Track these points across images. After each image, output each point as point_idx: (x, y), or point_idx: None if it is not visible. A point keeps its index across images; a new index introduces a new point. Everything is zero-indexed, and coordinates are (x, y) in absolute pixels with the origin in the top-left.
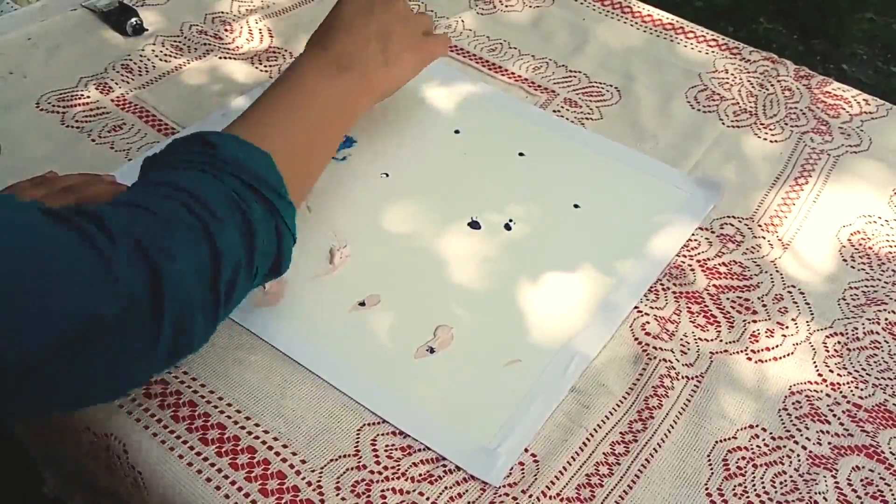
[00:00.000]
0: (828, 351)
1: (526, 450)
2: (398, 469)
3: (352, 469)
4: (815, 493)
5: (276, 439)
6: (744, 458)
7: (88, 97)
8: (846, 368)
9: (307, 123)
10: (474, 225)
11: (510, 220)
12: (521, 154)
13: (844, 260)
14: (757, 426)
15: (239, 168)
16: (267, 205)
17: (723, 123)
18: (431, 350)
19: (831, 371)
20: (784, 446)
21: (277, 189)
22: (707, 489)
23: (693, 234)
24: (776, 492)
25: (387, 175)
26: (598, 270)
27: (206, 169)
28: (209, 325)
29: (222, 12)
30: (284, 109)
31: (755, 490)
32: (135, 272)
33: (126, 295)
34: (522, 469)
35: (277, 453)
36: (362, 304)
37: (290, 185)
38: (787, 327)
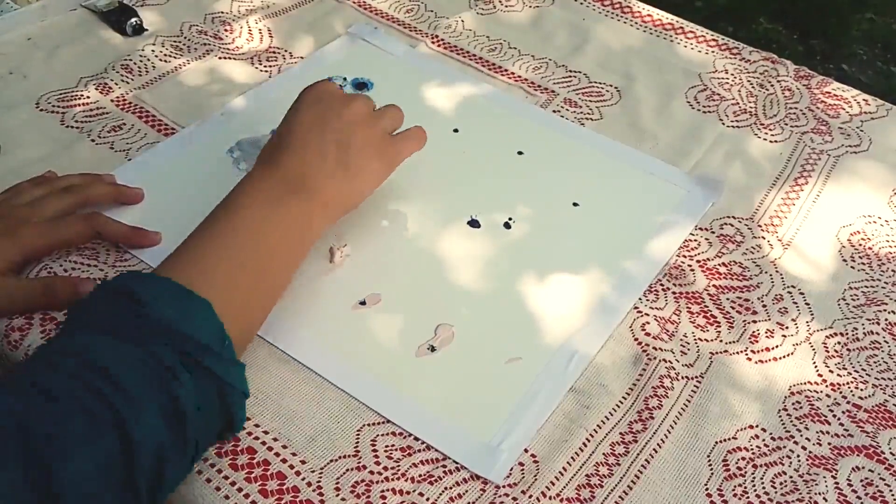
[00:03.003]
0: (828, 351)
1: (526, 450)
2: (398, 469)
3: (352, 469)
4: (815, 494)
5: (275, 440)
6: (744, 458)
7: (88, 97)
8: (846, 369)
9: (254, 258)
10: (474, 223)
11: (510, 219)
12: (519, 153)
13: (844, 260)
14: (757, 426)
15: (169, 332)
16: (203, 372)
17: (723, 124)
18: (432, 348)
19: (831, 371)
20: (784, 447)
21: (216, 350)
22: (707, 489)
23: (693, 235)
24: (776, 492)
25: None
26: (598, 268)
27: (131, 334)
28: None
29: (222, 12)
30: (227, 243)
31: (755, 490)
32: (21, 475)
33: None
34: (522, 469)
35: (277, 454)
36: (363, 303)
37: (236, 330)
38: (787, 327)
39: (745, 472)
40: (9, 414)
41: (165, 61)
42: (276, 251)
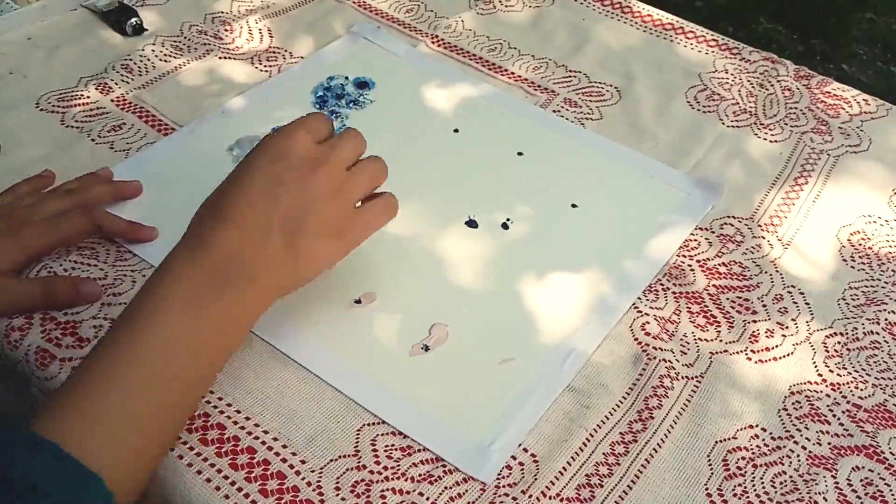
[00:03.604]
0: (828, 351)
1: (525, 450)
2: (398, 469)
3: (351, 469)
4: (815, 494)
5: (275, 439)
6: (744, 458)
7: (88, 97)
8: (846, 368)
9: (169, 384)
10: (471, 224)
11: (507, 219)
12: (519, 153)
13: (844, 260)
14: (757, 426)
15: None
16: None
17: (723, 123)
18: (426, 348)
19: (831, 371)
20: (784, 446)
21: None
22: (707, 489)
23: (693, 234)
24: (776, 492)
25: None
26: (595, 269)
27: None
28: None
29: (222, 12)
30: (129, 380)
31: (755, 490)
32: None
33: None
34: (522, 469)
35: (277, 453)
36: (358, 301)
37: (132, 484)
38: (787, 327)
39: (745, 472)
40: None
41: (165, 61)
42: (196, 365)
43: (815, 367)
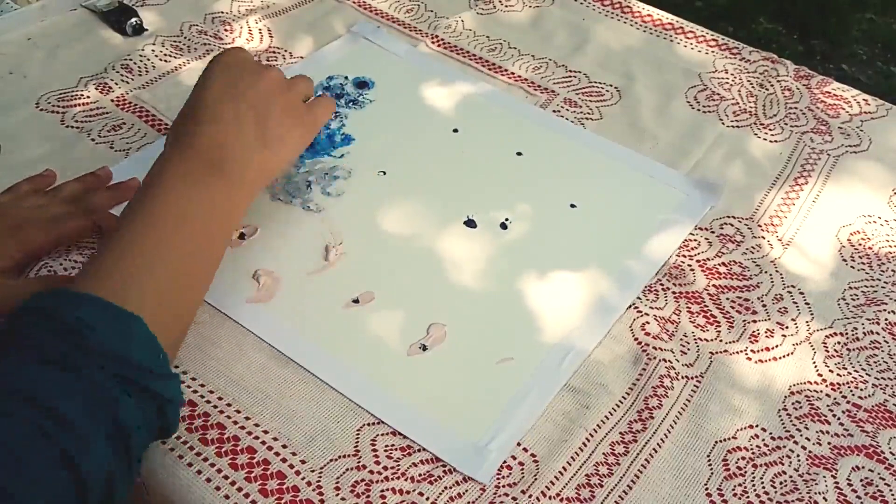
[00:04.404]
0: (828, 351)
1: (525, 450)
2: (398, 469)
3: (351, 469)
4: (815, 494)
5: (275, 439)
6: (743, 458)
7: (88, 97)
8: (846, 368)
9: (180, 254)
10: (470, 223)
11: (506, 219)
12: (518, 153)
13: (844, 260)
14: (757, 426)
15: (106, 357)
16: (143, 393)
17: (723, 123)
18: (424, 347)
19: (831, 371)
20: (784, 446)
21: (152, 367)
22: (707, 489)
23: (693, 234)
24: (776, 492)
25: (384, 173)
26: (594, 269)
27: (66, 363)
28: None
29: (222, 12)
30: (150, 243)
31: (755, 490)
32: None
33: None
34: (522, 469)
35: (277, 453)
36: (356, 301)
37: (168, 337)
38: (786, 327)
39: (745, 472)
40: None
41: (165, 61)
42: (201, 241)
43: (815, 367)
